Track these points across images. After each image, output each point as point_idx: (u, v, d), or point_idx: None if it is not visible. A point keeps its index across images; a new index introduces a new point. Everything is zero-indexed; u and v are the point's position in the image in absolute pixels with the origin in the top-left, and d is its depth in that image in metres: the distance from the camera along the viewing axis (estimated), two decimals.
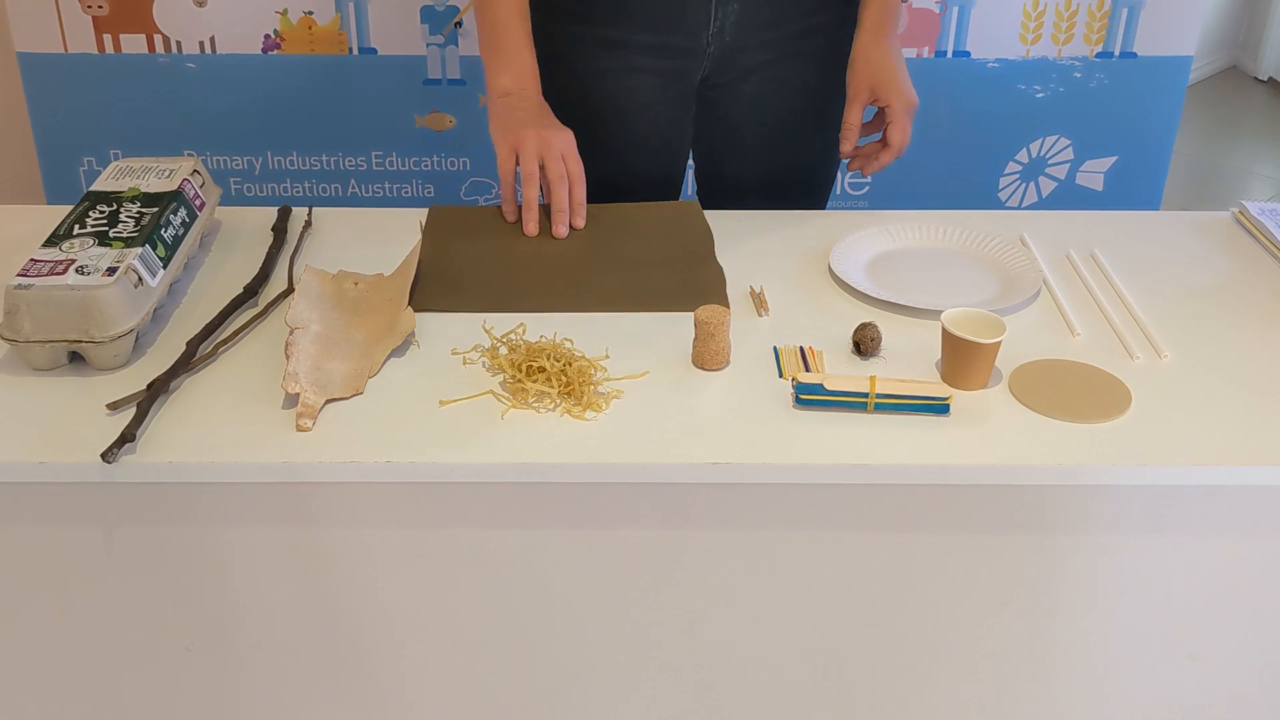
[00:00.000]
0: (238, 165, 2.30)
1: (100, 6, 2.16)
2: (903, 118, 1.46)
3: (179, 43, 2.20)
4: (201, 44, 2.20)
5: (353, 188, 2.33)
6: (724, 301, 1.30)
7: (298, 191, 2.34)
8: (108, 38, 2.19)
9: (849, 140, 1.48)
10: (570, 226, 1.43)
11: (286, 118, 2.27)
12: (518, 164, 1.41)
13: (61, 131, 2.27)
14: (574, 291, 1.32)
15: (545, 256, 1.39)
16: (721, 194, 1.66)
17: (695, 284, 1.33)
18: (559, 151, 1.41)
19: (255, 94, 2.24)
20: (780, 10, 1.51)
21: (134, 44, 2.20)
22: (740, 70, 1.55)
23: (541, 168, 1.41)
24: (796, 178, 1.64)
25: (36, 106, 2.24)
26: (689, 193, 2.23)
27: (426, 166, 2.32)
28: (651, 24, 1.50)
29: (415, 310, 1.27)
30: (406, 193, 2.34)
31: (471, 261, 1.37)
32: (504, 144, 1.41)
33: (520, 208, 1.44)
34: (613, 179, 1.59)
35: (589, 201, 1.46)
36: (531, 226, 1.42)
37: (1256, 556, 1.13)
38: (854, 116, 1.48)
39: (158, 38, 2.19)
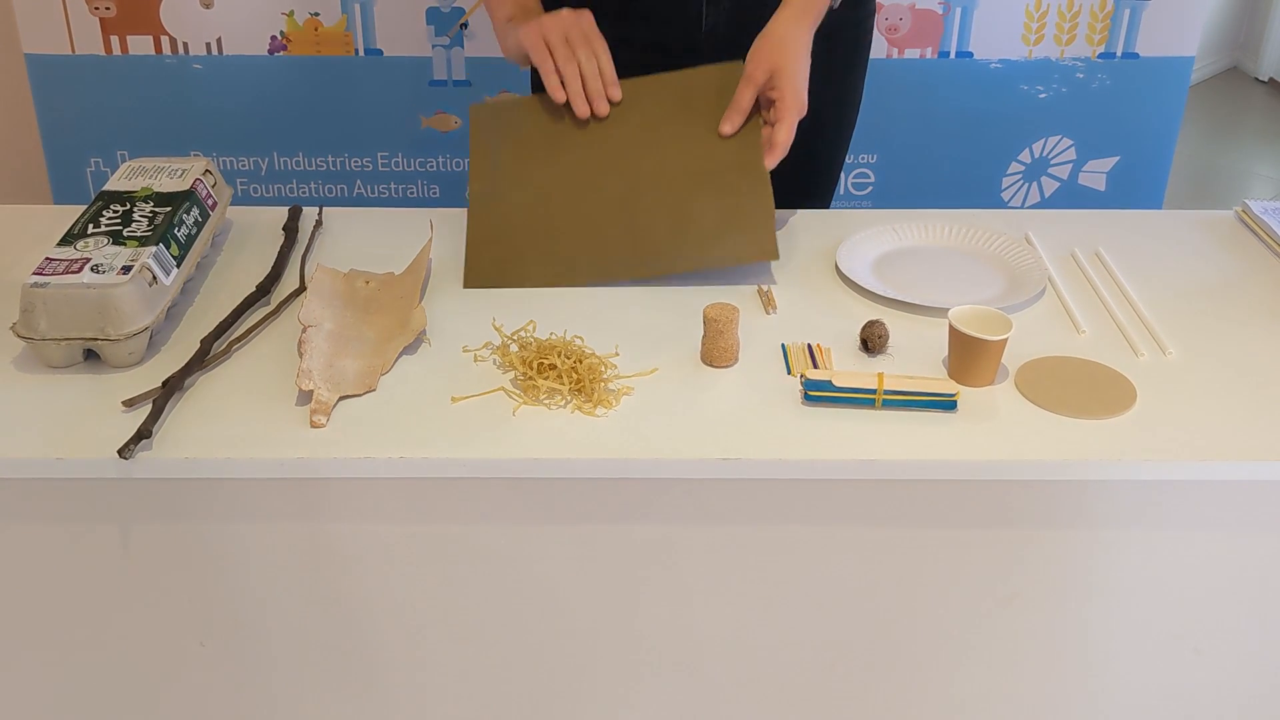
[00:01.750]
0: (244, 166, 2.31)
1: (107, 8, 2.17)
2: (789, 118, 1.36)
3: (186, 44, 2.21)
4: (208, 45, 2.21)
5: (359, 188, 2.34)
6: (770, 234, 1.34)
7: (304, 192, 2.35)
8: (115, 39, 2.20)
9: (730, 122, 1.40)
10: (609, 101, 1.41)
11: (292, 119, 2.28)
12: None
13: (68, 132, 2.27)
14: (628, 242, 1.36)
15: (593, 196, 1.39)
16: None
17: (745, 213, 1.36)
18: (582, 31, 1.39)
19: (261, 95, 2.25)
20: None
21: (141, 45, 2.21)
22: None
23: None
24: (797, 179, 1.64)
25: (44, 107, 2.25)
26: None
27: (432, 167, 2.33)
28: (649, 22, 1.51)
29: (469, 286, 1.34)
30: (412, 193, 2.35)
31: (520, 211, 1.39)
32: (530, 36, 1.39)
33: (565, 85, 1.41)
34: None
35: None
36: (581, 107, 1.40)
37: (1262, 552, 1.14)
38: (745, 98, 1.39)
39: (165, 39, 2.20)
